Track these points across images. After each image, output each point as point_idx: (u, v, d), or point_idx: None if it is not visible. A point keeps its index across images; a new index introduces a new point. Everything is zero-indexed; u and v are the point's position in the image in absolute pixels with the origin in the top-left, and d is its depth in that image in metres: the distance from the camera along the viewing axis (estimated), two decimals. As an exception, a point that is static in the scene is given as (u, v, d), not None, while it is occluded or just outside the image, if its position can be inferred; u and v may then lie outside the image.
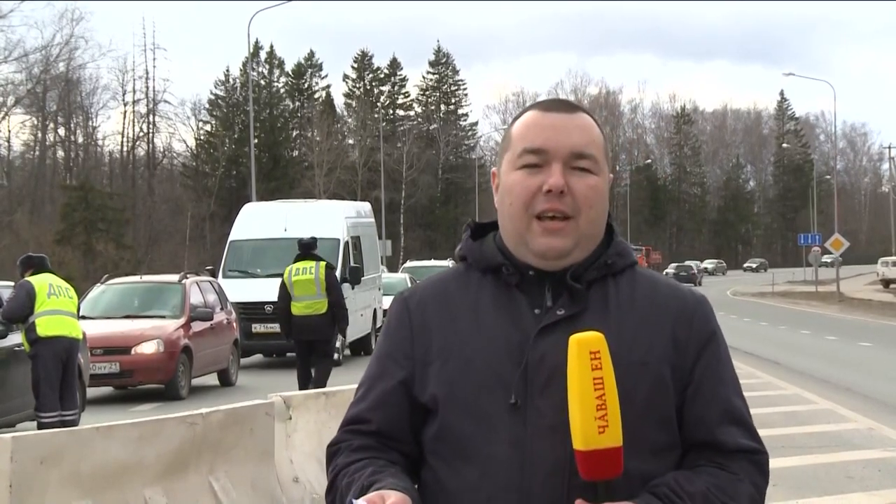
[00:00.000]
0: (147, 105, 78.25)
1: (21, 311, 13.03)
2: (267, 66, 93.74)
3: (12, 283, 13.74)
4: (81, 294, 17.52)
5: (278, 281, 19.10)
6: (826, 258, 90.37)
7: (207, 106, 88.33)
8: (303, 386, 15.66)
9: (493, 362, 2.24)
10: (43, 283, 13.15)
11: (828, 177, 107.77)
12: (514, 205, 2.28)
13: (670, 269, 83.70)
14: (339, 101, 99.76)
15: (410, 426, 2.31)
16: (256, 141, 69.42)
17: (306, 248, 16.20)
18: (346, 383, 15.43)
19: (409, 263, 41.99)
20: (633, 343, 2.24)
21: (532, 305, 2.27)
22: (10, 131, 71.02)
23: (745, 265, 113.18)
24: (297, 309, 15.76)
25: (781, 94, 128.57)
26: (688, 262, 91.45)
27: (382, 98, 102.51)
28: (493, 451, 2.22)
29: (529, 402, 2.21)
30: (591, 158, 2.28)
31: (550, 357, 2.19)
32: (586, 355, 2.11)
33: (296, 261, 16.15)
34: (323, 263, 16.02)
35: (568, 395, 2.14)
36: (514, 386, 2.21)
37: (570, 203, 2.25)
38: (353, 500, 2.11)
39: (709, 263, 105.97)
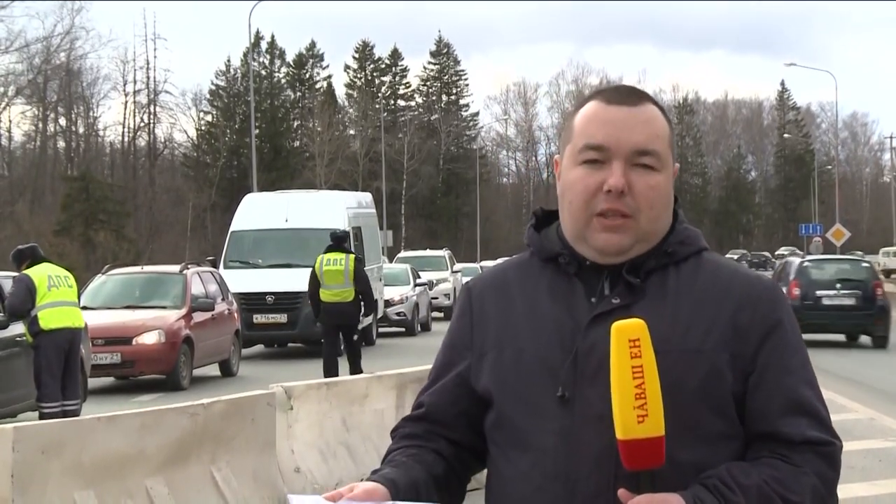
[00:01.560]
0: (148, 95, 78.22)
1: (22, 306, 13.01)
2: (268, 57, 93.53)
3: (13, 275, 13.70)
4: (82, 285, 17.53)
5: (279, 271, 19.04)
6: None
7: (208, 96, 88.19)
8: (327, 369, 16.20)
9: (544, 351, 2.23)
10: (42, 275, 13.12)
11: (829, 167, 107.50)
12: (574, 202, 2.25)
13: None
14: (340, 92, 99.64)
15: (465, 414, 2.33)
16: (257, 131, 69.36)
17: (338, 241, 17.17)
18: (346, 374, 15.55)
19: (402, 253, 41.90)
20: (688, 330, 2.19)
21: (589, 294, 2.25)
22: (10, 121, 71.06)
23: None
24: (326, 296, 16.76)
25: (782, 84, 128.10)
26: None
27: (384, 88, 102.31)
28: (542, 440, 2.22)
29: (578, 391, 2.19)
30: (654, 155, 2.23)
31: (601, 346, 2.15)
32: (625, 343, 2.07)
33: (327, 251, 17.02)
34: (352, 256, 17.05)
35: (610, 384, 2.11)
36: (562, 375, 2.20)
37: (631, 203, 2.21)
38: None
39: None
